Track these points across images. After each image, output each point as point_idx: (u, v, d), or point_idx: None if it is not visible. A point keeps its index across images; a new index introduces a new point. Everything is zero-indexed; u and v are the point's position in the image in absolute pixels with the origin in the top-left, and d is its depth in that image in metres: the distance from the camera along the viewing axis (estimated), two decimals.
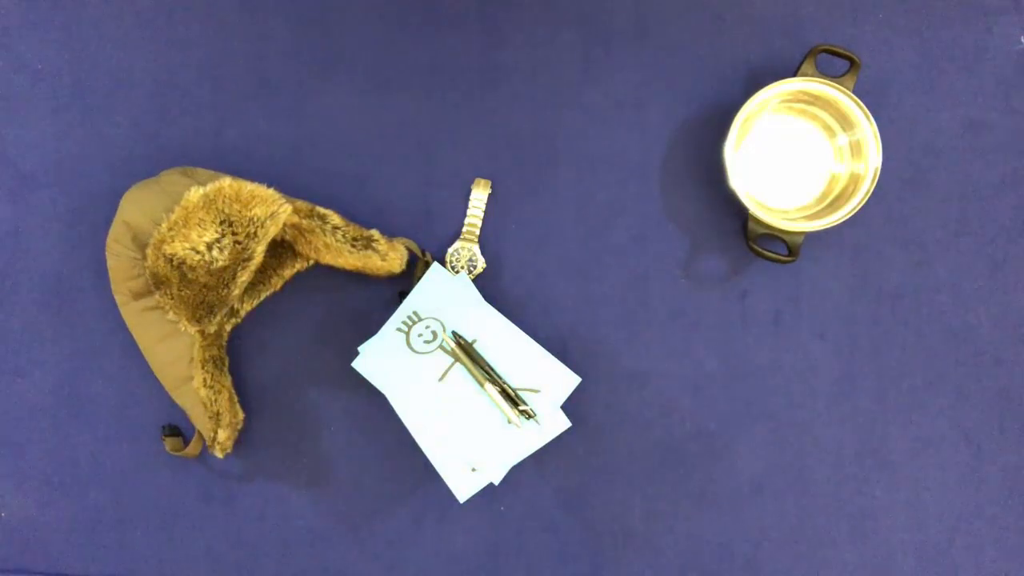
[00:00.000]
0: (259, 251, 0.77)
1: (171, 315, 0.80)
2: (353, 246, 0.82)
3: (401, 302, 0.86)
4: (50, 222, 0.89)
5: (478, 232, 0.88)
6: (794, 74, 0.84)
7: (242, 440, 0.87)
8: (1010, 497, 0.88)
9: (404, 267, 0.85)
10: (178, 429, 0.88)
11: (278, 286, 0.87)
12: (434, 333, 0.85)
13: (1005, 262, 0.89)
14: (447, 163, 0.89)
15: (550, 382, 0.85)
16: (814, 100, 0.86)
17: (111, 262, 0.81)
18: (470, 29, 0.90)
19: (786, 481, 0.88)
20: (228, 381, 0.85)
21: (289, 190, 0.82)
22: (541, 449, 0.84)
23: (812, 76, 0.83)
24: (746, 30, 0.89)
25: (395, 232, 0.87)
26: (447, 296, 0.86)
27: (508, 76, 0.90)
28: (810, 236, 0.84)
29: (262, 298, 0.87)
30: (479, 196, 0.88)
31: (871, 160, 0.83)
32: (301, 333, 0.89)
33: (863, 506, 0.88)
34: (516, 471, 0.85)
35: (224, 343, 0.86)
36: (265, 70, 0.90)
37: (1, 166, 0.89)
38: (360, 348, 0.85)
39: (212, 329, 0.81)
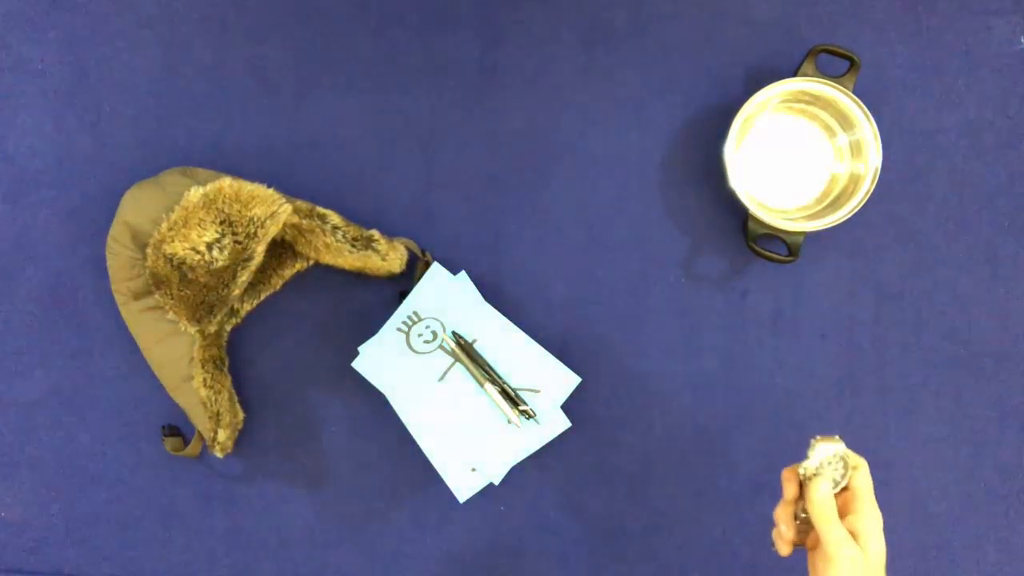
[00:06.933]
0: (259, 251, 0.77)
1: (171, 315, 0.80)
2: (353, 246, 0.82)
3: (401, 302, 0.86)
4: (50, 222, 0.89)
5: None
6: (794, 74, 0.84)
7: (242, 440, 0.87)
8: (1010, 497, 0.88)
9: (404, 267, 0.85)
10: (178, 429, 0.88)
11: (278, 286, 0.87)
12: (434, 333, 0.85)
13: (1005, 262, 0.89)
14: (447, 163, 0.89)
15: (550, 382, 0.85)
16: (814, 100, 0.86)
17: (111, 262, 0.81)
18: (470, 29, 0.90)
19: None
20: (228, 381, 0.85)
21: (289, 190, 0.82)
22: (541, 449, 0.85)
23: (812, 76, 0.83)
24: (746, 30, 0.89)
25: (395, 232, 0.87)
26: (447, 296, 0.86)
27: (508, 76, 0.90)
28: (810, 236, 0.84)
29: (262, 298, 0.87)
30: None
31: (871, 160, 0.83)
32: (301, 333, 0.89)
33: None
34: (516, 471, 0.85)
35: (224, 343, 0.86)
36: (265, 70, 0.90)
37: (1, 166, 0.89)
38: (360, 348, 0.85)
39: (212, 329, 0.81)
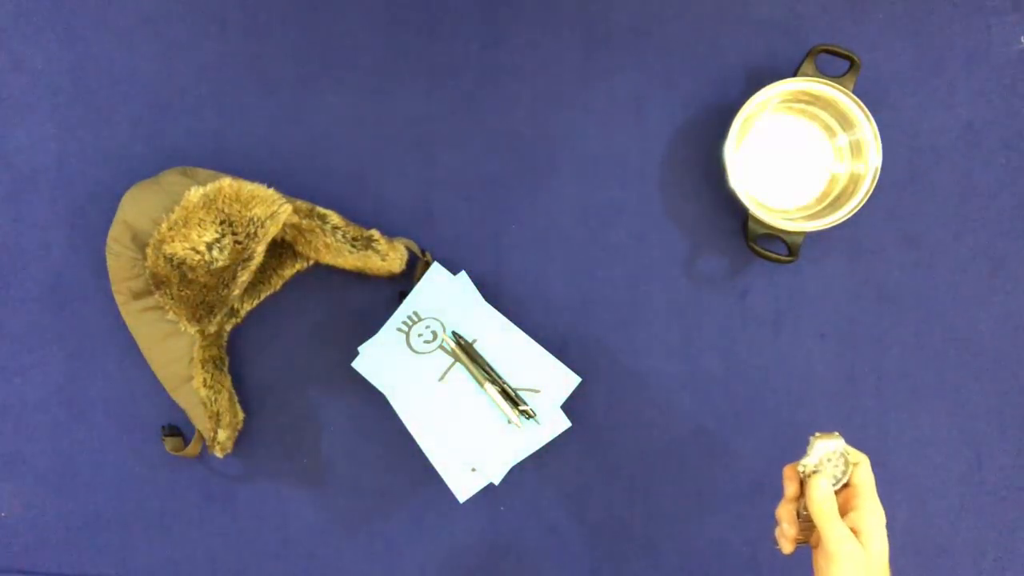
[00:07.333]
0: (259, 251, 0.77)
1: (171, 315, 0.80)
2: (353, 246, 0.82)
3: (401, 302, 0.86)
4: (50, 222, 0.89)
5: None
6: (794, 74, 0.84)
7: (242, 440, 0.87)
8: (1010, 497, 0.88)
9: (404, 267, 0.85)
10: (178, 429, 0.88)
11: (278, 286, 0.87)
12: (434, 333, 0.85)
13: (1005, 262, 0.89)
14: (447, 163, 0.89)
15: (550, 382, 0.85)
16: (814, 100, 0.86)
17: (111, 262, 0.81)
18: (470, 29, 0.90)
19: None
20: (228, 381, 0.85)
21: (289, 190, 0.82)
22: (541, 449, 0.85)
23: (812, 76, 0.83)
24: (746, 30, 0.89)
25: (395, 232, 0.87)
26: (447, 296, 0.86)
27: (508, 76, 0.90)
28: (810, 236, 0.84)
29: (262, 298, 0.87)
30: None
31: (871, 160, 0.83)
32: (301, 333, 0.89)
33: None
34: (516, 471, 0.85)
35: (224, 343, 0.86)
36: (265, 70, 0.90)
37: (1, 166, 0.89)
38: (360, 348, 0.85)
39: (212, 329, 0.81)
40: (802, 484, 0.66)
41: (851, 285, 0.89)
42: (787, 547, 0.67)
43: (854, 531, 0.62)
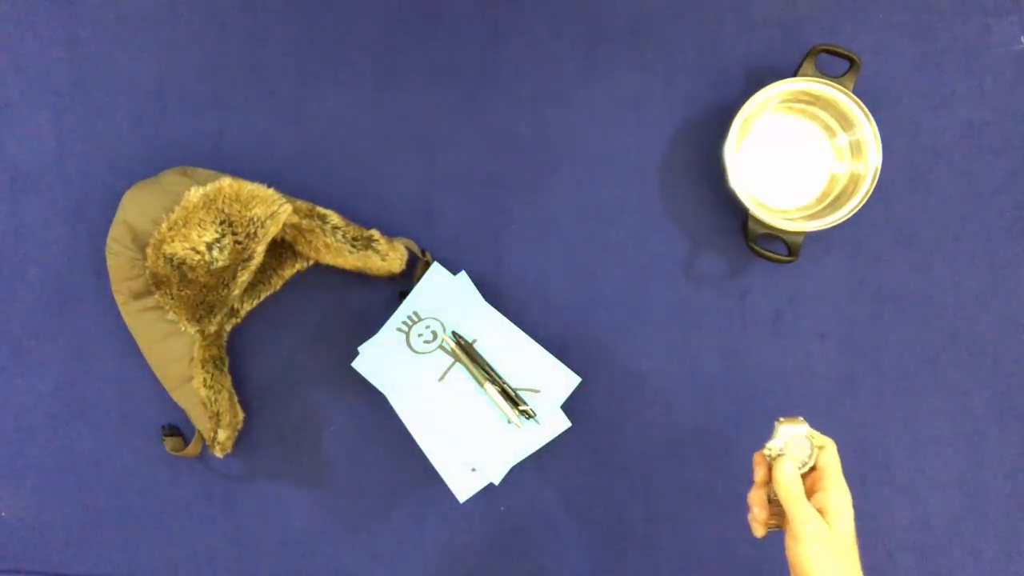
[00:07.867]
0: (259, 251, 0.77)
1: (171, 315, 0.80)
2: (353, 246, 0.82)
3: (401, 302, 0.86)
4: (50, 222, 0.89)
5: None
6: (794, 74, 0.84)
7: (242, 440, 0.87)
8: (1010, 497, 0.88)
9: (404, 267, 0.85)
10: (178, 429, 0.88)
11: (278, 286, 0.87)
12: (434, 333, 0.85)
13: (1005, 262, 0.89)
14: (447, 163, 0.89)
15: (550, 382, 0.85)
16: (814, 100, 0.86)
17: (111, 262, 0.81)
18: (470, 29, 0.90)
19: None
20: (228, 381, 0.85)
21: (289, 190, 0.82)
22: (541, 449, 0.85)
23: (812, 76, 0.83)
24: (746, 30, 0.89)
25: (395, 232, 0.87)
26: (447, 296, 0.86)
27: (508, 76, 0.90)
28: (810, 236, 0.84)
29: (262, 298, 0.87)
30: None
31: (871, 160, 0.83)
32: (301, 333, 0.89)
33: (863, 506, 0.87)
34: (516, 471, 0.85)
35: (224, 343, 0.86)
36: (265, 70, 0.90)
37: (1, 166, 0.89)
38: (360, 348, 0.85)
39: (212, 329, 0.81)
40: (771, 469, 0.67)
41: (851, 285, 0.89)
42: (758, 531, 0.69)
43: (821, 511, 0.64)
